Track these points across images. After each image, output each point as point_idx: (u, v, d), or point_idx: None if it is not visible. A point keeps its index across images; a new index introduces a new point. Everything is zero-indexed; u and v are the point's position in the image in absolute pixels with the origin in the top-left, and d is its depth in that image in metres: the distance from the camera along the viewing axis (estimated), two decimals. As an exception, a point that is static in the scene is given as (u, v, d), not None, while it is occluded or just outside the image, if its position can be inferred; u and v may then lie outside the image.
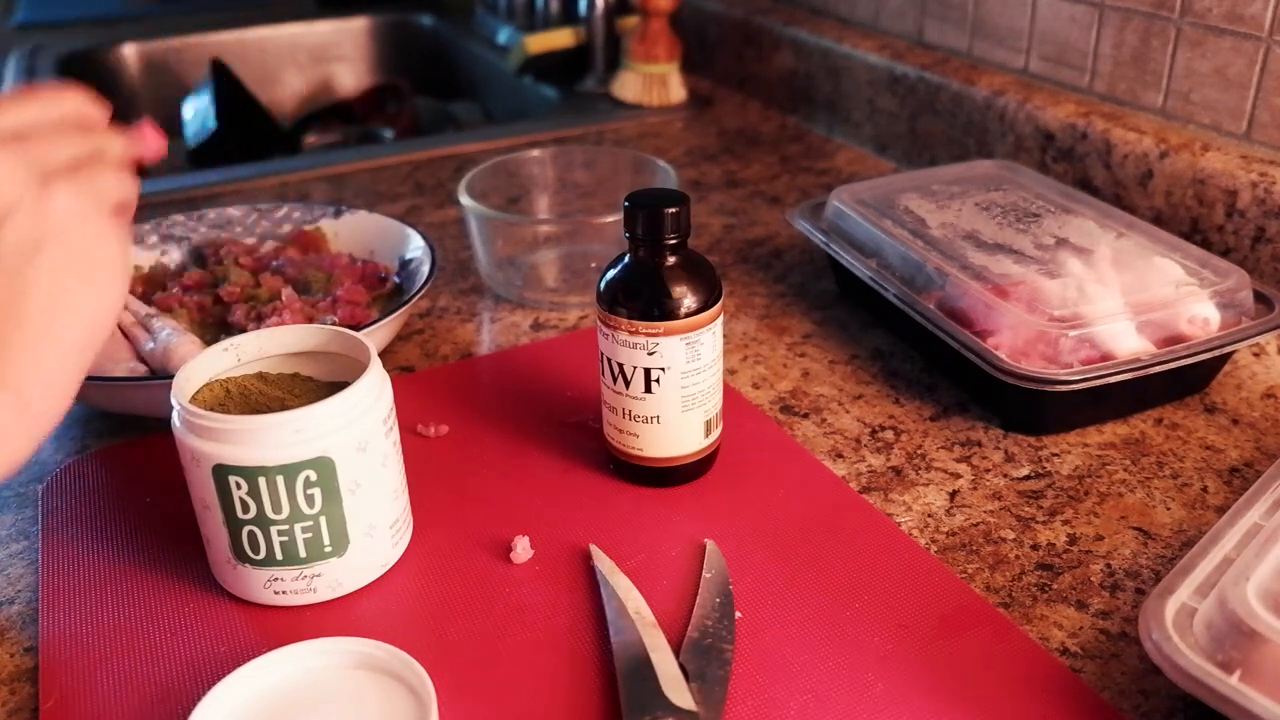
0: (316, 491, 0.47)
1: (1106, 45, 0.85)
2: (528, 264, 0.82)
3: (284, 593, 0.49)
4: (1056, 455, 0.60)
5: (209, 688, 0.43)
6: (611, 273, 0.55)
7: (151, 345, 0.64)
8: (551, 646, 0.48)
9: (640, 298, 0.53)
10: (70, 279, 0.43)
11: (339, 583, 0.50)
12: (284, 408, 0.49)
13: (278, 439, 0.46)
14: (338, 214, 0.80)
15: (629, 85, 1.23)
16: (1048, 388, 0.57)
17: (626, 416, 0.56)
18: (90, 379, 0.60)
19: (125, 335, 0.66)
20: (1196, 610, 0.43)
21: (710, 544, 0.53)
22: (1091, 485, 0.58)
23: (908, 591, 0.50)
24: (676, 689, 0.44)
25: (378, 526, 0.50)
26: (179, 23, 1.65)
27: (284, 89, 1.64)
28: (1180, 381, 0.64)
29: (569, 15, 1.37)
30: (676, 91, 1.23)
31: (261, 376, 0.52)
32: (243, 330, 0.67)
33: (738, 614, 0.49)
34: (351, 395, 0.48)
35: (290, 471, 0.47)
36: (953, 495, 0.57)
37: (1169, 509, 0.56)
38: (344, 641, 0.45)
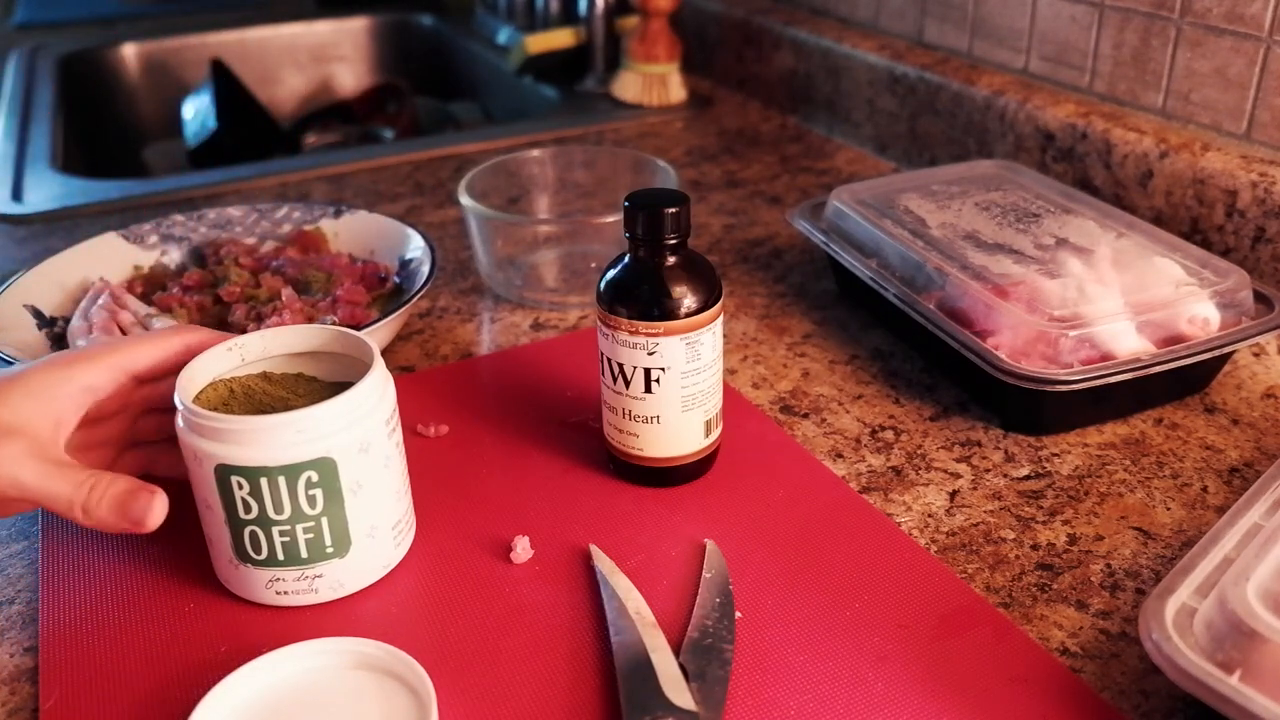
0: (318, 492, 0.47)
1: (1106, 45, 0.85)
2: (528, 264, 0.82)
3: (285, 593, 0.49)
4: (1056, 455, 0.61)
5: (209, 688, 0.43)
6: (611, 273, 0.55)
7: (151, 345, 0.64)
8: (551, 646, 0.48)
9: (640, 298, 0.53)
10: None
11: (340, 583, 0.50)
12: (288, 407, 0.49)
13: (280, 439, 0.46)
14: (338, 214, 0.80)
15: (629, 85, 1.23)
16: (1048, 388, 0.57)
17: (626, 416, 0.56)
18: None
19: (125, 335, 0.66)
20: (1196, 610, 0.43)
21: (710, 544, 0.53)
22: (1091, 485, 0.58)
23: (908, 591, 0.50)
24: (676, 689, 0.44)
25: (379, 527, 0.50)
26: (179, 23, 1.65)
27: (284, 89, 1.64)
28: (1180, 381, 0.64)
29: (569, 15, 1.37)
30: (676, 91, 1.23)
31: (266, 376, 0.52)
32: (243, 330, 0.67)
33: (738, 614, 0.49)
34: (354, 396, 0.48)
35: (292, 472, 0.47)
36: (953, 495, 0.57)
37: (1169, 509, 0.56)
38: (344, 642, 0.45)
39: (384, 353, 0.72)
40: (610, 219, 0.76)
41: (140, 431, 0.55)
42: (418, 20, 1.71)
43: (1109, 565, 0.52)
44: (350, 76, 1.68)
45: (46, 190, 1.01)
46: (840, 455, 0.61)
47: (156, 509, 0.47)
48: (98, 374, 0.49)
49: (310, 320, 0.68)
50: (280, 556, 0.48)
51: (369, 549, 0.50)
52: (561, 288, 0.79)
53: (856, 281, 0.72)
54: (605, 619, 0.48)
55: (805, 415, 0.65)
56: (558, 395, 0.66)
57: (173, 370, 0.52)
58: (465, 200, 0.77)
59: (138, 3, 1.80)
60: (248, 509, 0.47)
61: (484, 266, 0.81)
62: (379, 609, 0.50)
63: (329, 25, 1.67)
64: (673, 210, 0.53)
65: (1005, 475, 0.59)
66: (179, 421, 0.48)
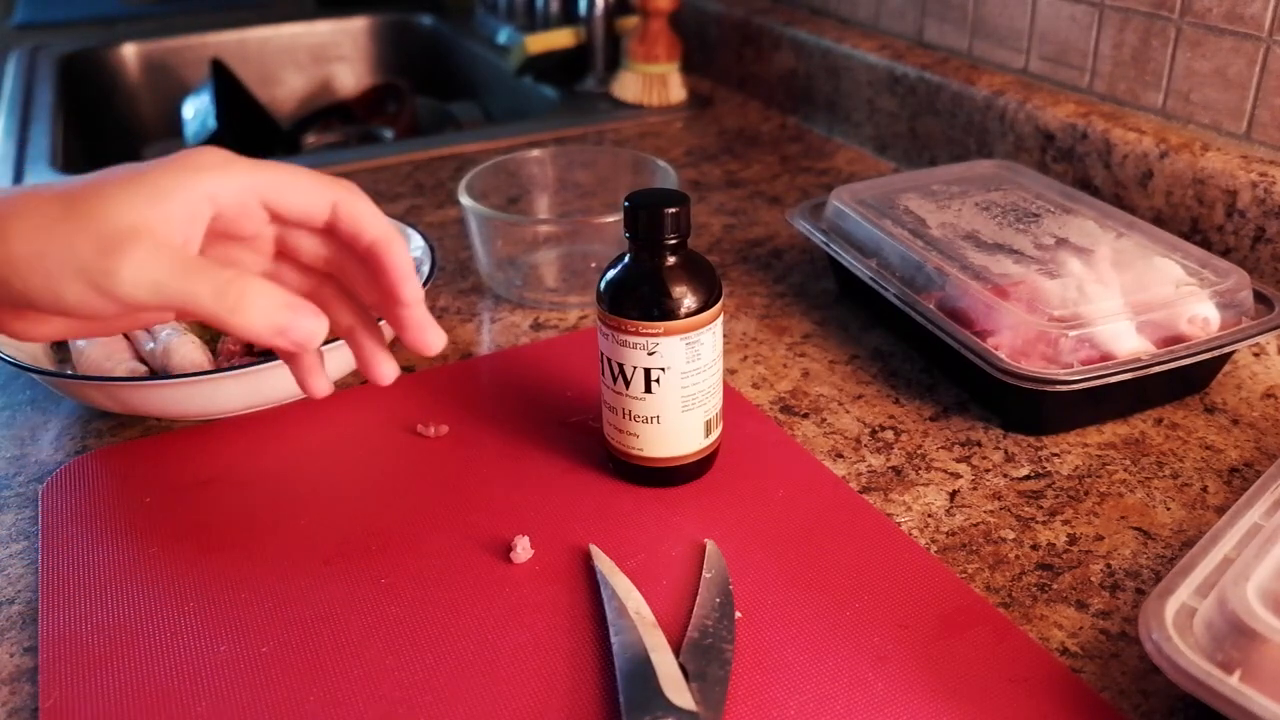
0: None
1: (1106, 45, 0.85)
2: (528, 264, 0.82)
3: None
4: (1056, 455, 0.60)
5: (209, 688, 0.43)
6: (611, 273, 0.55)
7: (152, 345, 0.64)
8: (551, 646, 0.48)
9: (640, 298, 0.53)
10: None
11: None
12: None
13: None
14: (338, 214, 0.80)
15: (629, 85, 1.23)
16: (1048, 388, 0.57)
17: (626, 416, 0.56)
18: (90, 379, 0.60)
19: (125, 335, 0.66)
20: (1196, 610, 0.43)
21: (710, 544, 0.53)
22: (1091, 485, 0.58)
23: (908, 591, 0.50)
24: (676, 689, 0.44)
25: None
26: (179, 23, 1.65)
27: (284, 89, 1.64)
28: (1180, 381, 0.64)
29: (569, 15, 1.37)
30: (676, 91, 1.23)
31: None
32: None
33: (738, 614, 0.49)
34: None
35: None
36: (953, 495, 0.57)
37: (1169, 509, 0.56)
38: None
39: (384, 353, 0.72)
40: (610, 219, 0.76)
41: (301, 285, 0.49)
42: (418, 20, 1.71)
43: (1109, 565, 0.52)
44: (350, 76, 1.68)
45: (46, 190, 1.01)
46: (840, 455, 0.61)
47: (316, 326, 0.42)
48: (224, 185, 0.43)
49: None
50: None
51: None
52: (561, 288, 0.79)
53: (856, 281, 0.72)
54: (605, 619, 0.48)
55: (805, 415, 0.65)
56: (558, 395, 0.66)
57: (317, 226, 0.46)
58: (465, 200, 0.77)
59: (138, 3, 1.80)
60: None
61: (484, 266, 0.81)
62: (381, 607, 0.50)
63: (329, 25, 1.67)
64: (673, 210, 0.53)
65: (1005, 475, 0.59)
66: None
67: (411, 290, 0.46)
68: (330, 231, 0.47)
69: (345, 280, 0.49)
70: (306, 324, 0.42)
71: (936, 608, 0.49)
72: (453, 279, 0.83)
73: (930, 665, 0.46)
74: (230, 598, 0.51)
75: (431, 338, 0.47)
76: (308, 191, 0.45)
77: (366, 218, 0.46)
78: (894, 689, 0.45)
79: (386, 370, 0.49)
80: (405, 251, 0.46)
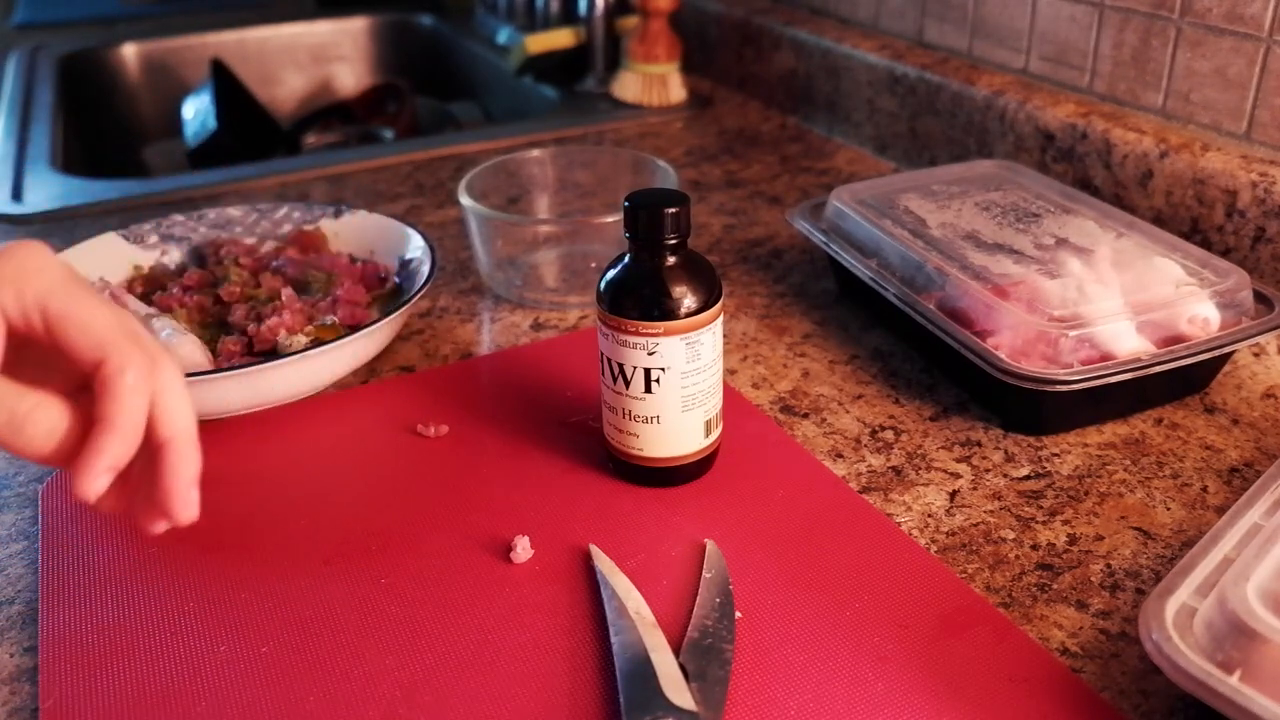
0: None
1: (1106, 45, 0.85)
2: (528, 264, 0.82)
3: None
4: (1056, 455, 0.60)
5: (209, 688, 0.43)
6: (611, 273, 0.55)
7: (151, 345, 0.64)
8: (551, 646, 0.48)
9: (640, 298, 0.53)
10: None
11: None
12: None
13: None
14: (338, 214, 0.80)
15: (629, 85, 1.23)
16: (1048, 388, 0.57)
17: (626, 416, 0.56)
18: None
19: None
20: (1196, 610, 0.43)
21: (710, 544, 0.53)
22: (1091, 485, 0.58)
23: (908, 591, 0.50)
24: (676, 689, 0.44)
25: None
26: (179, 23, 1.65)
27: (284, 89, 1.64)
28: (1180, 381, 0.64)
29: (569, 15, 1.37)
30: (676, 91, 1.23)
31: None
32: (243, 331, 0.67)
33: (738, 614, 0.49)
34: None
35: None
36: (953, 495, 0.57)
37: (1169, 509, 0.56)
38: None
39: (384, 353, 0.72)
40: (610, 219, 0.76)
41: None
42: (418, 20, 1.71)
43: (1109, 565, 0.52)
44: (350, 76, 1.68)
45: (46, 190, 1.01)
46: (840, 455, 0.61)
47: (91, 487, 0.39)
48: (13, 300, 0.39)
49: (310, 320, 0.68)
50: None
51: None
52: (561, 288, 0.79)
53: (856, 281, 0.72)
54: (605, 619, 0.48)
55: (805, 415, 0.65)
56: (558, 395, 0.66)
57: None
58: (465, 200, 0.77)
59: (138, 3, 1.80)
60: None
61: (484, 266, 0.81)
62: (381, 607, 0.50)
63: (329, 25, 1.67)
64: (673, 210, 0.53)
65: (1005, 475, 0.59)
66: None
67: (185, 509, 0.42)
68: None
69: None
70: (81, 482, 0.39)
71: (936, 608, 0.49)
72: (453, 279, 0.83)
73: (930, 665, 0.46)
74: (230, 598, 0.51)
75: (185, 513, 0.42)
76: (84, 333, 0.40)
77: (124, 396, 0.39)
78: (894, 689, 0.45)
79: (157, 527, 0.43)
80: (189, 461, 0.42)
